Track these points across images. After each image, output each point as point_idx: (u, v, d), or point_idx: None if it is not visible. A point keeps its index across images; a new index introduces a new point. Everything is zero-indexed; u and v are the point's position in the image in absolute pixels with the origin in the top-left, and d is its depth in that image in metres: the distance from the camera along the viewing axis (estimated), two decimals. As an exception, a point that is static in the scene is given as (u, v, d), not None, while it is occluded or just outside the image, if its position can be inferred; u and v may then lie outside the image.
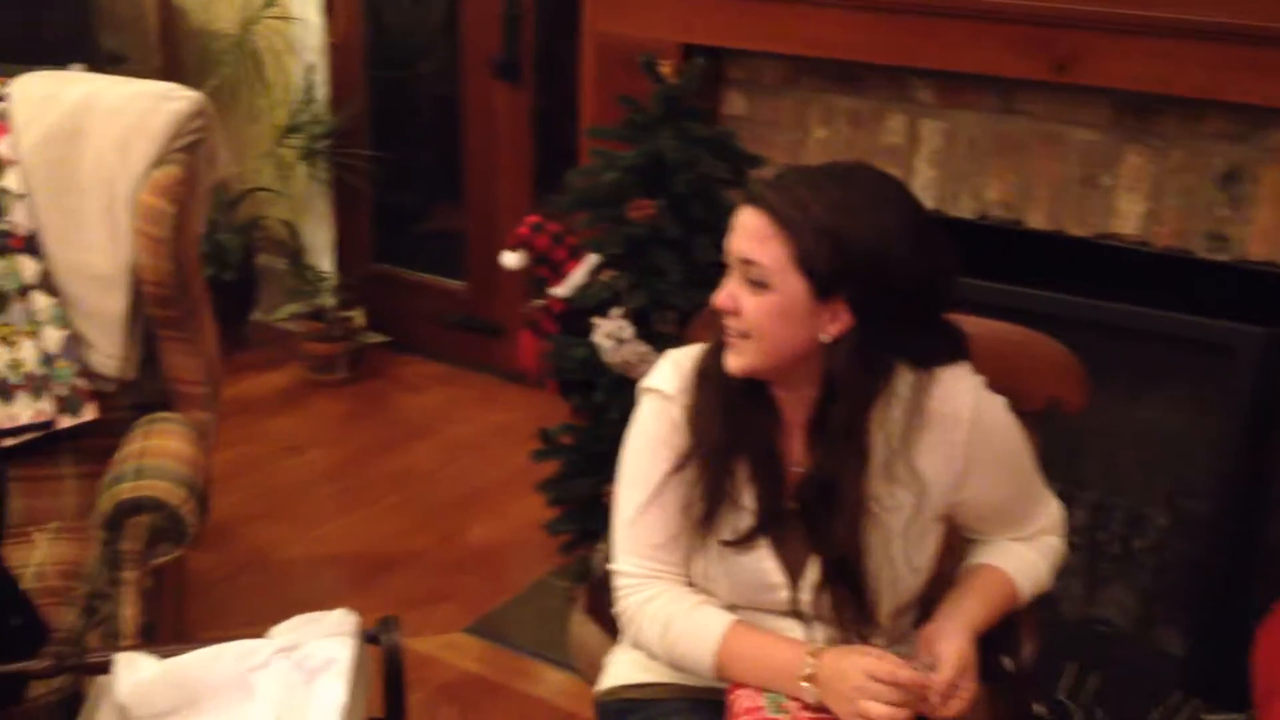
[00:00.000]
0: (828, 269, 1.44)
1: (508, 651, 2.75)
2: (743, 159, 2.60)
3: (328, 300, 4.06)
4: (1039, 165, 2.55)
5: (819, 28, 2.58)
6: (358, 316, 4.06)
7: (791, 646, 1.55)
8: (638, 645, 1.65)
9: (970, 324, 1.64)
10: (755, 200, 1.48)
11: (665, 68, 2.57)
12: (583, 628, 2.27)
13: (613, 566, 1.64)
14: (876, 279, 1.45)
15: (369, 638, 1.71)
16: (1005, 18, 2.40)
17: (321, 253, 4.20)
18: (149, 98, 2.29)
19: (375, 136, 4.11)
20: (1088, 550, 2.71)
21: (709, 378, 1.57)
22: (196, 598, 2.61)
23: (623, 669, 1.72)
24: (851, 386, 1.49)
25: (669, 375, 1.61)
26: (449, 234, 4.17)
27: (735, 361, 1.52)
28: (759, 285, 1.47)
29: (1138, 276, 2.51)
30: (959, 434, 1.55)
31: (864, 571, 1.54)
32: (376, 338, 4.11)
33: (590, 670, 1.87)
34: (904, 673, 1.48)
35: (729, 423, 1.55)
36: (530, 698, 2.63)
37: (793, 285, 1.45)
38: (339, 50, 4.03)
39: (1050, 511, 1.71)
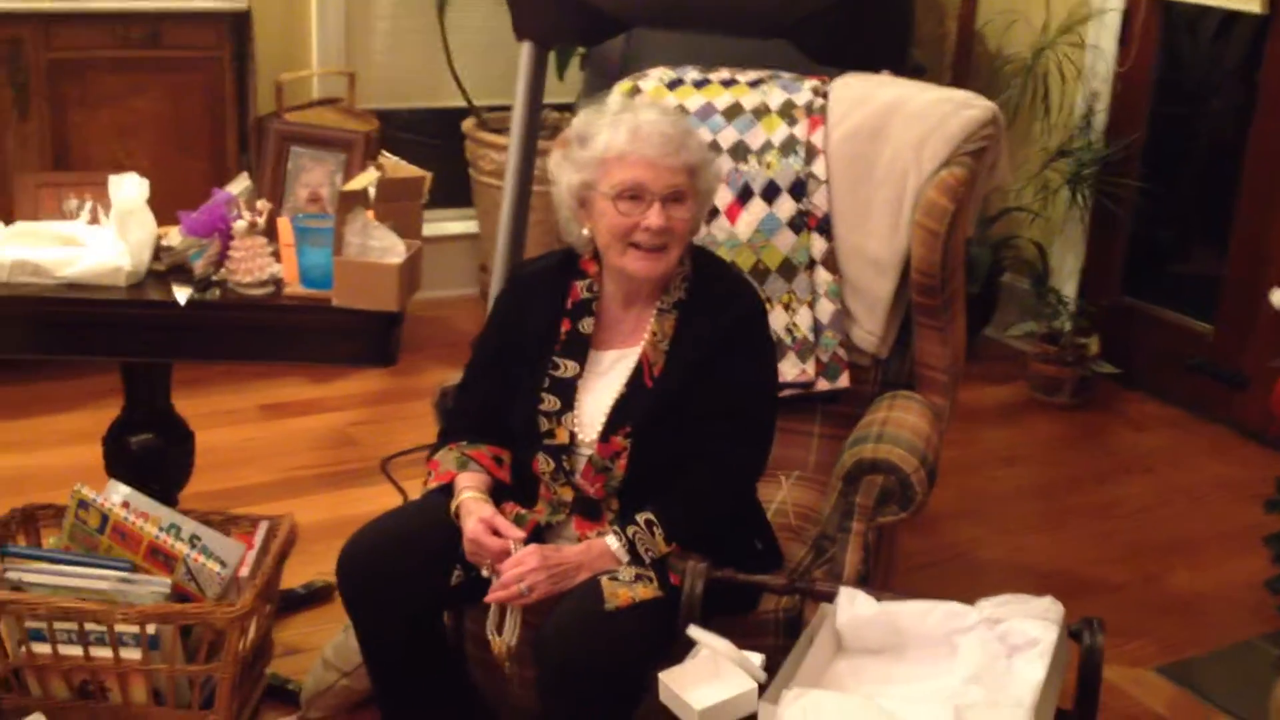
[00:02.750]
0: None
1: (1200, 703, 2.63)
2: None
3: (1064, 325, 4.08)
4: None
5: None
6: (1092, 345, 4.04)
7: None
8: None
9: None
10: None
11: None
12: (1289, 698, 2.14)
13: None
14: None
15: (1071, 633, 1.77)
16: None
17: (1067, 277, 4.22)
18: (949, 104, 2.49)
19: (1145, 169, 4.05)
20: None
21: None
22: (899, 576, 2.78)
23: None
24: None
25: None
26: (1202, 276, 4.01)
27: None
28: None
29: None
30: None
31: None
32: (1107, 368, 4.06)
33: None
34: None
35: None
36: (1215, 756, 2.52)
37: None
38: (1126, 80, 4.02)
39: None
